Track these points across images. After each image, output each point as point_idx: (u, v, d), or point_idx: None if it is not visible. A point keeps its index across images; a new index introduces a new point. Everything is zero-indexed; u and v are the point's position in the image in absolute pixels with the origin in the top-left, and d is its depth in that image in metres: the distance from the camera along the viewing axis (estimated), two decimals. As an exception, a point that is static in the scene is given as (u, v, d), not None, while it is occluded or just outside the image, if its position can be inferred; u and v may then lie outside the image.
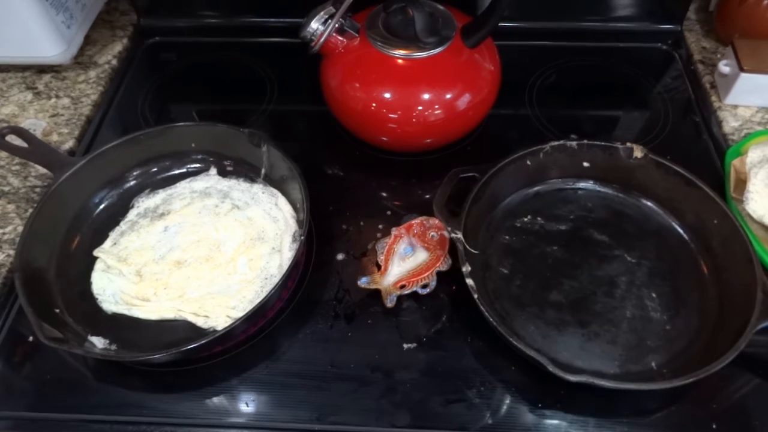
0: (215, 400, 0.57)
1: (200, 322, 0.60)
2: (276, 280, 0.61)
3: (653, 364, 0.57)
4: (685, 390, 0.55)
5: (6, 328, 0.63)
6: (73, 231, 0.68)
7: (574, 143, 0.69)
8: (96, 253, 0.65)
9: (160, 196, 0.70)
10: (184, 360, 0.59)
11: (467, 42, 0.69)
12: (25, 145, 0.68)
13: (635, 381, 0.55)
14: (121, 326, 0.61)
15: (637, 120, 0.81)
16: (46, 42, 0.80)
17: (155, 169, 0.73)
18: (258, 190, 0.70)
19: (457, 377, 0.58)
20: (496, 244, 0.66)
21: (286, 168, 0.67)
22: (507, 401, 0.56)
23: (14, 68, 0.87)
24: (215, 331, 0.58)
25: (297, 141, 0.79)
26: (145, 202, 0.70)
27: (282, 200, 0.68)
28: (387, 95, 0.68)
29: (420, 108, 0.68)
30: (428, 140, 0.73)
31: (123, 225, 0.68)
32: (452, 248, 0.62)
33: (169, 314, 0.61)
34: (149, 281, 0.63)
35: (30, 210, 0.70)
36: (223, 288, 0.62)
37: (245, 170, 0.72)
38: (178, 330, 0.60)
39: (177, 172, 0.73)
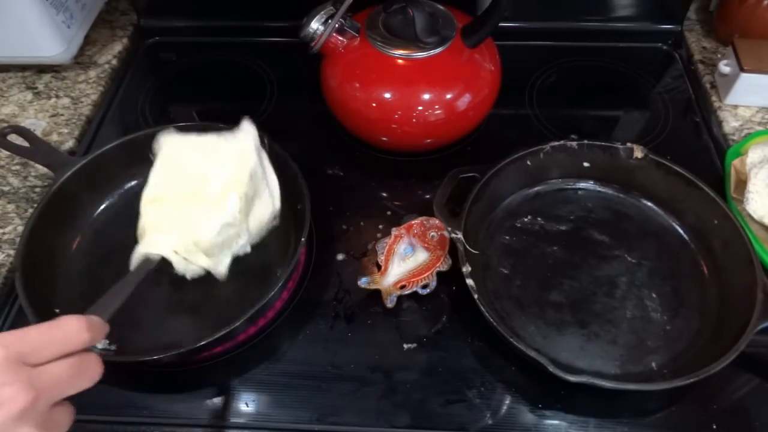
0: (215, 400, 0.57)
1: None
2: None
3: (653, 364, 0.57)
4: (685, 390, 0.55)
5: (6, 328, 0.63)
6: (73, 231, 0.68)
7: (574, 143, 0.69)
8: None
9: None
10: (184, 360, 0.59)
11: (467, 42, 0.69)
12: (26, 144, 0.68)
13: (635, 381, 0.55)
14: (121, 327, 0.61)
15: (637, 120, 0.81)
16: (46, 42, 0.80)
17: (155, 169, 0.73)
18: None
19: (457, 377, 0.58)
20: (497, 244, 0.66)
21: (287, 168, 0.67)
22: (507, 401, 0.56)
23: (14, 68, 0.87)
24: (215, 332, 0.58)
25: (297, 141, 0.79)
26: None
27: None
28: (387, 95, 0.68)
29: (420, 108, 0.68)
30: (428, 140, 0.73)
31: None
32: (452, 248, 0.62)
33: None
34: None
35: (30, 210, 0.70)
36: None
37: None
38: (178, 330, 0.60)
39: (177, 172, 0.73)
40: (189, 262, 0.56)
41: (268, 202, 0.61)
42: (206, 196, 0.56)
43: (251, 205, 0.59)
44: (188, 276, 0.56)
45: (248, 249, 0.60)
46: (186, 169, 0.58)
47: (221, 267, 0.58)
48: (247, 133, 0.60)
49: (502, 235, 0.67)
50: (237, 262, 0.65)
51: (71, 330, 0.39)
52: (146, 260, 0.54)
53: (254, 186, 0.59)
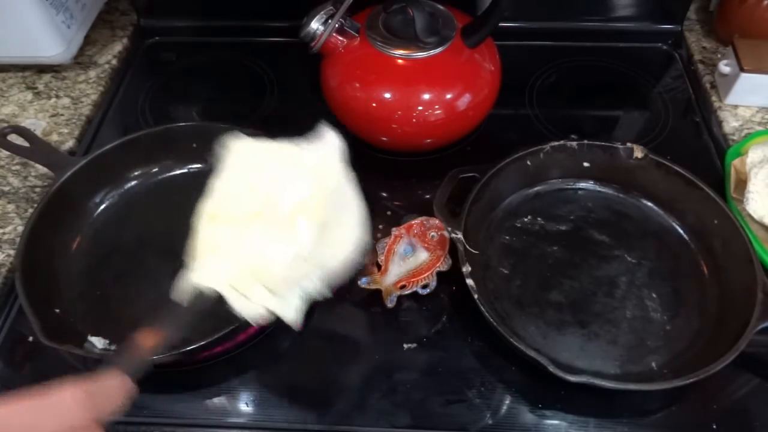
0: (215, 400, 0.57)
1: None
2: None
3: (653, 364, 0.57)
4: (685, 390, 0.55)
5: (6, 328, 0.63)
6: (73, 231, 0.68)
7: (574, 143, 0.69)
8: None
9: None
10: (184, 360, 0.59)
11: (467, 42, 0.69)
12: (26, 144, 0.69)
13: (635, 381, 0.55)
14: (121, 327, 0.61)
15: (637, 120, 0.81)
16: (46, 42, 0.80)
17: (156, 169, 0.73)
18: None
19: (457, 377, 0.58)
20: (497, 244, 0.66)
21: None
22: (507, 401, 0.56)
23: (14, 68, 0.87)
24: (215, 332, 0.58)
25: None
26: None
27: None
28: (387, 95, 0.68)
29: (420, 108, 0.68)
30: (428, 140, 0.73)
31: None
32: (452, 248, 0.62)
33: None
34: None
35: (30, 210, 0.70)
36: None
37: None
38: (178, 330, 0.60)
39: (178, 172, 0.73)
40: (249, 300, 0.44)
41: (350, 233, 0.49)
42: (274, 219, 0.45)
43: (328, 236, 0.47)
44: (248, 319, 0.45)
45: (326, 292, 0.48)
46: (254, 182, 0.47)
47: (290, 310, 0.46)
48: (330, 145, 0.49)
49: (502, 235, 0.67)
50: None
51: (65, 406, 0.34)
52: (199, 295, 0.44)
53: (334, 211, 0.47)
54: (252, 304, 0.44)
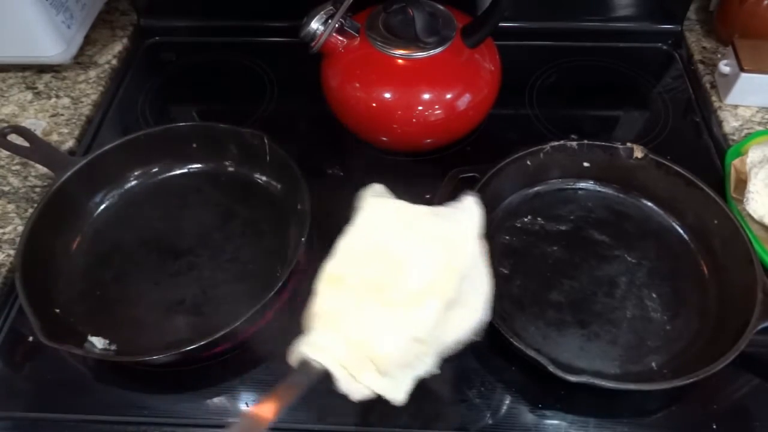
0: (215, 400, 0.57)
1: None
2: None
3: (653, 364, 0.57)
4: (685, 390, 0.55)
5: (6, 328, 0.63)
6: (73, 231, 0.68)
7: (574, 143, 0.69)
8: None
9: None
10: (184, 360, 0.59)
11: (467, 42, 0.69)
12: (26, 144, 0.69)
13: (635, 381, 0.55)
14: (121, 327, 0.61)
15: (637, 120, 0.81)
16: (46, 42, 0.80)
17: (156, 169, 0.73)
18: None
19: (457, 377, 0.58)
20: (496, 244, 0.66)
21: (287, 168, 0.67)
22: (507, 401, 0.56)
23: (14, 68, 0.87)
24: (215, 332, 0.58)
25: (297, 141, 0.78)
26: None
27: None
28: (387, 95, 0.68)
29: (420, 108, 0.68)
30: (428, 140, 0.73)
31: None
32: (452, 248, 0.62)
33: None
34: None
35: (30, 210, 0.70)
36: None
37: (245, 170, 0.72)
38: (178, 330, 0.60)
39: (178, 172, 0.73)
40: (357, 381, 0.43)
41: (473, 315, 0.45)
42: (398, 294, 0.42)
43: (451, 316, 0.44)
44: (352, 397, 0.43)
45: (436, 370, 0.45)
46: (383, 247, 0.44)
47: (398, 392, 0.43)
48: (471, 215, 0.45)
49: (502, 235, 0.67)
50: (236, 262, 0.66)
51: None
52: (307, 365, 0.43)
53: (461, 290, 0.44)
54: (359, 385, 0.43)
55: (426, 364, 0.44)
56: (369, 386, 0.42)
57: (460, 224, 0.44)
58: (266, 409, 0.40)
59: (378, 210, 0.46)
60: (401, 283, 0.42)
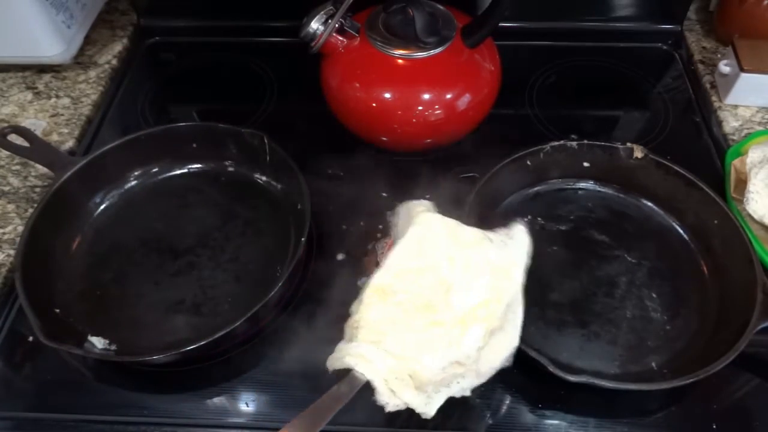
0: (215, 400, 0.57)
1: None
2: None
3: (653, 364, 0.57)
4: (685, 390, 0.55)
5: (6, 328, 0.63)
6: (73, 231, 0.68)
7: (574, 143, 0.69)
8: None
9: None
10: (184, 360, 0.59)
11: (467, 42, 0.69)
12: (26, 144, 0.69)
13: (635, 381, 0.55)
14: (121, 327, 0.61)
15: (637, 120, 0.81)
16: (46, 42, 0.80)
17: (156, 169, 0.73)
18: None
19: (457, 377, 0.58)
20: (496, 244, 0.66)
21: (287, 168, 0.67)
22: (507, 401, 0.56)
23: (14, 68, 0.87)
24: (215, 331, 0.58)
25: (297, 141, 0.78)
26: None
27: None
28: (387, 95, 0.68)
29: (420, 108, 0.68)
30: (428, 140, 0.73)
31: None
32: (452, 248, 0.62)
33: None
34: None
35: (30, 210, 0.70)
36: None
37: (245, 170, 0.72)
38: (178, 330, 0.60)
39: (178, 172, 0.73)
40: (395, 395, 0.44)
41: (510, 341, 0.46)
42: (445, 315, 0.43)
43: (490, 341, 0.45)
44: (387, 408, 0.45)
45: (467, 393, 0.46)
46: (432, 265, 0.44)
47: (430, 408, 0.45)
48: (521, 244, 0.46)
49: (502, 235, 0.67)
50: (236, 262, 0.66)
51: None
52: (351, 377, 0.44)
53: (503, 317, 0.45)
54: (396, 399, 0.44)
55: (461, 386, 0.45)
56: (403, 400, 0.43)
57: (511, 252, 0.45)
58: (307, 423, 0.41)
59: (431, 227, 0.46)
60: (449, 305, 0.43)
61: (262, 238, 0.68)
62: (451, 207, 0.62)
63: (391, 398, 0.44)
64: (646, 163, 0.67)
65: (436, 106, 0.68)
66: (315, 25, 0.66)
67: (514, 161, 0.67)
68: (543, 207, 0.69)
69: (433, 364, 0.43)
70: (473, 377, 0.45)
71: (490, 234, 0.46)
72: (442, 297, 0.43)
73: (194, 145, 0.73)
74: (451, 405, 0.55)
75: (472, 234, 0.46)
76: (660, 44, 0.91)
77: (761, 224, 0.64)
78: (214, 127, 0.72)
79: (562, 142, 0.68)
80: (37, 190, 0.73)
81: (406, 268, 0.45)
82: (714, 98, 0.81)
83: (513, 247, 0.46)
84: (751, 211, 0.64)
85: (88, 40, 0.89)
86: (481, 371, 0.45)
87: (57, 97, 0.84)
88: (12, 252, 0.66)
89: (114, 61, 0.89)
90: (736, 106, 0.79)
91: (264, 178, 0.72)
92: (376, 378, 0.43)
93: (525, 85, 0.85)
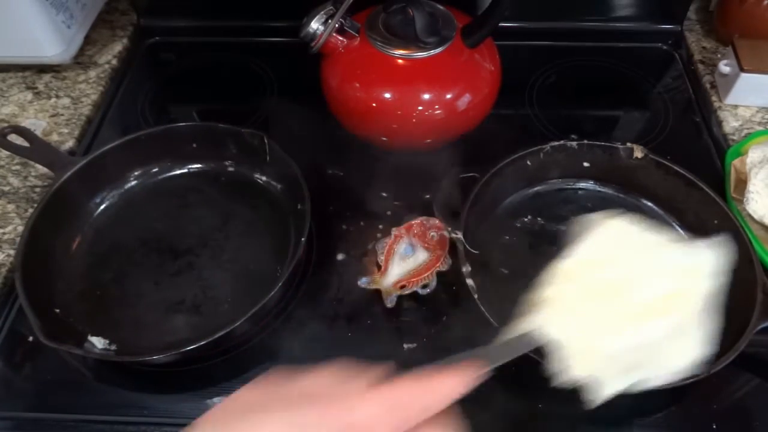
0: (215, 400, 0.57)
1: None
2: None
3: (653, 364, 0.57)
4: (685, 390, 0.55)
5: (6, 328, 0.63)
6: (73, 231, 0.68)
7: (574, 143, 0.69)
8: None
9: None
10: (185, 360, 0.59)
11: (467, 42, 0.69)
12: (26, 144, 0.69)
13: (635, 381, 0.55)
14: (121, 327, 0.61)
15: (637, 120, 0.81)
16: (46, 42, 0.80)
17: (156, 170, 0.73)
18: None
19: (457, 377, 0.58)
20: (497, 244, 0.66)
21: (287, 168, 0.67)
22: (507, 401, 0.56)
23: (14, 68, 0.87)
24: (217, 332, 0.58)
25: (297, 141, 0.78)
26: None
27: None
28: (387, 95, 0.68)
29: (420, 108, 0.68)
30: (428, 140, 0.73)
31: None
32: (452, 248, 0.62)
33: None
34: None
35: (30, 210, 0.70)
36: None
37: (245, 170, 0.72)
38: (178, 330, 0.60)
39: (178, 172, 0.73)
40: (570, 367, 0.42)
41: (692, 351, 0.44)
42: (633, 301, 0.43)
43: (670, 342, 0.44)
44: (555, 379, 0.43)
45: (633, 389, 0.45)
46: (620, 258, 0.45)
47: (598, 394, 0.43)
48: (713, 254, 0.45)
49: (502, 235, 0.67)
50: (236, 262, 0.66)
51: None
52: (529, 336, 0.43)
53: (688, 320, 0.44)
54: (570, 372, 0.42)
55: (638, 376, 0.44)
56: (577, 377, 0.42)
57: (699, 257, 0.44)
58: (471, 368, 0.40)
59: (616, 227, 0.47)
60: (636, 294, 0.43)
61: (262, 238, 0.68)
62: (451, 207, 0.62)
63: (564, 369, 0.42)
64: (646, 163, 0.67)
65: (436, 106, 0.68)
66: (315, 25, 0.66)
67: (514, 161, 0.67)
68: (543, 207, 0.69)
69: (617, 346, 0.42)
70: (653, 371, 0.44)
71: (681, 243, 0.46)
72: (631, 286, 0.43)
73: (194, 145, 0.73)
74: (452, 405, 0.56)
75: (660, 241, 0.46)
76: (660, 44, 0.91)
77: (761, 224, 0.64)
78: (214, 127, 0.72)
79: (562, 142, 0.68)
80: (37, 190, 0.73)
81: (593, 258, 0.46)
82: (714, 98, 0.81)
83: (704, 256, 0.45)
84: (751, 211, 0.64)
85: (88, 40, 0.89)
86: (652, 372, 0.44)
87: (57, 97, 0.84)
88: (12, 252, 0.66)
89: (114, 61, 0.89)
90: (736, 106, 0.79)
91: (264, 178, 0.72)
92: (559, 343, 0.42)
93: (525, 85, 0.85)
